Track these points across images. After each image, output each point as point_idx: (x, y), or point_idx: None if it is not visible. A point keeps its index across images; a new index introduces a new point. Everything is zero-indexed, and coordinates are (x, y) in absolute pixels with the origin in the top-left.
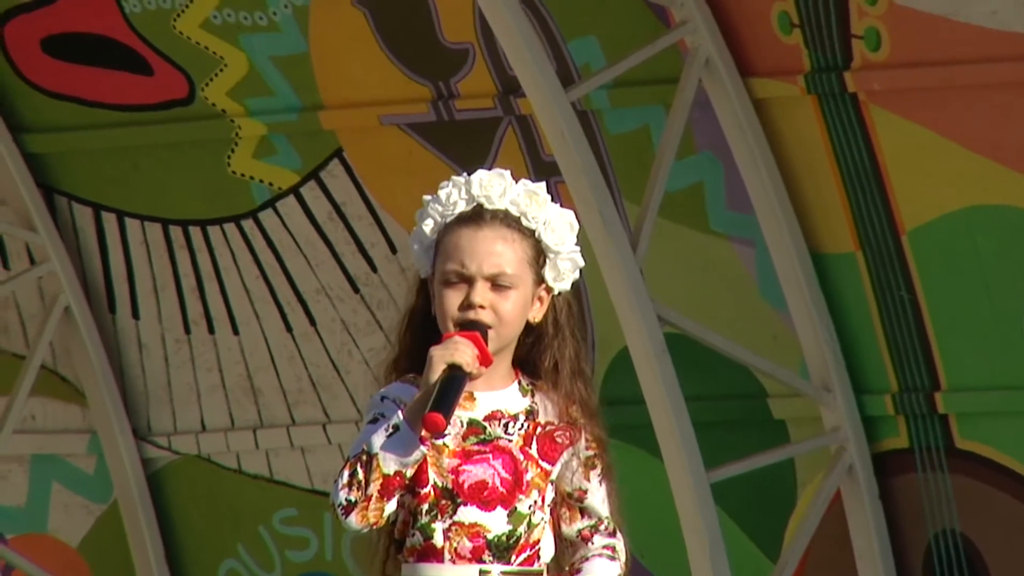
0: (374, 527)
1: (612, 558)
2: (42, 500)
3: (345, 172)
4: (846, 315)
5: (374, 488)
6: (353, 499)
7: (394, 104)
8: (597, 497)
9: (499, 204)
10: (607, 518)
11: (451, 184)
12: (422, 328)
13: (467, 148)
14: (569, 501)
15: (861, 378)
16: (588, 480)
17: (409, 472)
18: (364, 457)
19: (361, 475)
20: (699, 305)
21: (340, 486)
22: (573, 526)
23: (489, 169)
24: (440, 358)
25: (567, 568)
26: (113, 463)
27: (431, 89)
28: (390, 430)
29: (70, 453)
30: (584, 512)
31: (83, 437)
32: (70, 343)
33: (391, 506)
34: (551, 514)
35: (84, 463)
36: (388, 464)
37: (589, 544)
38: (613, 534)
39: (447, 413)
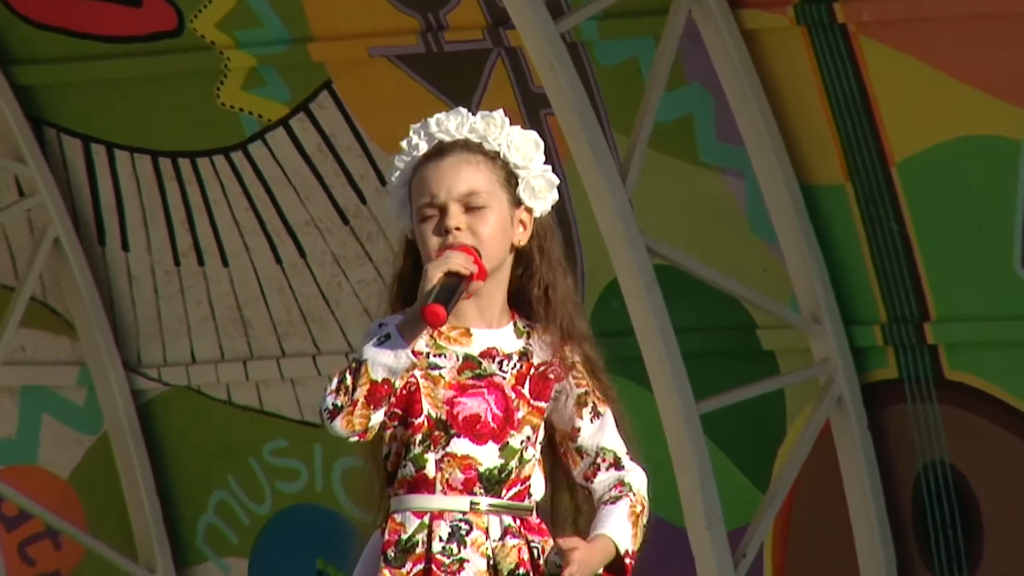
0: (361, 438)
1: (616, 499)
2: (32, 432)
3: (334, 104)
4: (835, 246)
5: (360, 393)
6: (339, 404)
7: (383, 36)
8: (588, 433)
9: (458, 135)
10: (603, 449)
11: (411, 132)
12: (412, 290)
13: (456, 80)
14: (567, 444)
15: (850, 309)
16: (580, 418)
17: (397, 382)
18: (353, 364)
19: (349, 380)
20: (688, 237)
21: (328, 391)
22: (576, 470)
23: (479, 102)
24: (435, 268)
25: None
26: (103, 395)
27: (420, 21)
28: (382, 339)
29: (60, 385)
30: (580, 452)
31: (73, 369)
32: (59, 275)
33: (377, 417)
34: (564, 458)
35: (74, 395)
36: (376, 370)
37: (594, 483)
38: (616, 464)
39: (447, 306)
